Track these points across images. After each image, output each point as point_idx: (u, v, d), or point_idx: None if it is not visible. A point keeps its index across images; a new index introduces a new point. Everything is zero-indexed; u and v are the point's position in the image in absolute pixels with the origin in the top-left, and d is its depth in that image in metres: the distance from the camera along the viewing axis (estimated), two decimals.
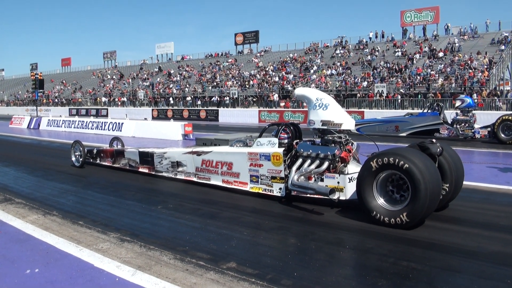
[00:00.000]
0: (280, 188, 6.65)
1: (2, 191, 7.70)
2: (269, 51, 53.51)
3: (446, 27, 42.51)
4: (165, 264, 4.20)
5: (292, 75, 41.49)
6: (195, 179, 7.97)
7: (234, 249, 4.63)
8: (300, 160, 6.43)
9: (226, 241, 4.88)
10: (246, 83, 43.14)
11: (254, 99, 38.92)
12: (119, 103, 48.68)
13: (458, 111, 15.65)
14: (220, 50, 58.99)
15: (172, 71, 55.21)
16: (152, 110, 40.20)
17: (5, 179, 9.07)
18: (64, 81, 67.70)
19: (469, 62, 32.15)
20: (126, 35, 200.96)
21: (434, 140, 5.63)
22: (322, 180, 6.17)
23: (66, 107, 49.95)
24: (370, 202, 5.33)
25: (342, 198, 6.00)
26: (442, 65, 33.28)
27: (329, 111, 6.31)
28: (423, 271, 3.93)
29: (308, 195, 6.28)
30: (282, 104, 34.46)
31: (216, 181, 7.59)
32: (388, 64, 36.60)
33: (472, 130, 15.13)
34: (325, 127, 6.32)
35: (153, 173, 8.83)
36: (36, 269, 4.12)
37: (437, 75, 32.03)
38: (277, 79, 41.48)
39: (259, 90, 40.19)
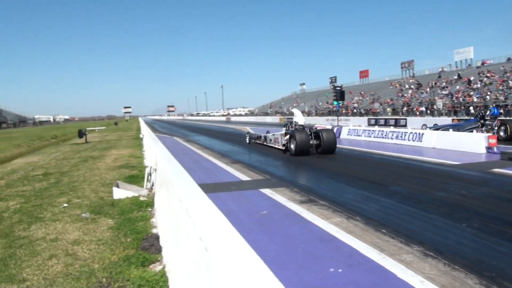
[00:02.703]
0: None
1: (307, 193, 8.43)
2: None
3: None
4: None
5: None
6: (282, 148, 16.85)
7: None
8: None
9: None
10: None
11: None
12: (418, 113, 47.78)
13: (488, 118, 19.70)
14: None
15: (471, 78, 50.44)
16: (452, 120, 37.63)
17: (311, 183, 9.99)
18: (362, 92, 71.46)
19: None
20: (423, 43, 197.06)
21: (316, 126, 14.10)
22: None
23: (365, 117, 52.42)
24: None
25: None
26: None
27: None
28: None
29: None
30: None
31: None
32: None
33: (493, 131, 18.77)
34: None
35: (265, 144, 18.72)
36: (339, 269, 4.31)
37: None
38: None
39: None
